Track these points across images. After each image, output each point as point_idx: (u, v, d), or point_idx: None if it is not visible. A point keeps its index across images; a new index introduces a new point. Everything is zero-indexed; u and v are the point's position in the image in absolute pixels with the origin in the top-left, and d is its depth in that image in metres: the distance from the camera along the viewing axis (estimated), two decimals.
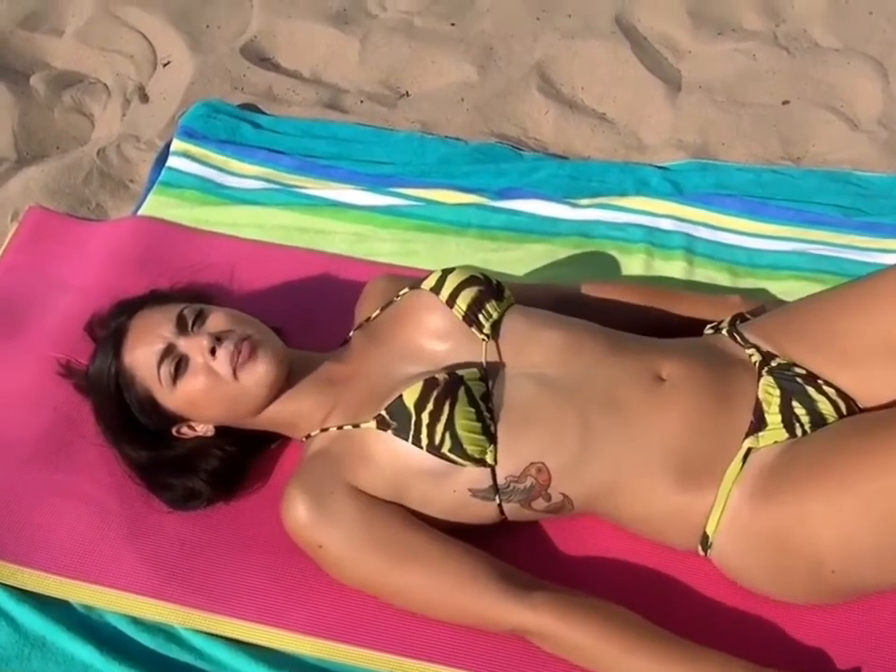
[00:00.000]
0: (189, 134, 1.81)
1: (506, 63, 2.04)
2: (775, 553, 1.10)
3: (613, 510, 1.18)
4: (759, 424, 1.13)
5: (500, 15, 2.16)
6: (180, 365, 1.18)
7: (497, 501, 1.17)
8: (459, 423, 1.12)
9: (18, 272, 1.62)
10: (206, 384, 1.17)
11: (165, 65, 2.08)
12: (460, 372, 1.15)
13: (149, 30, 2.14)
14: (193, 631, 1.19)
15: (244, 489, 1.31)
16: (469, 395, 1.13)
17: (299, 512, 1.15)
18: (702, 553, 1.17)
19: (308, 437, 1.24)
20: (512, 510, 1.18)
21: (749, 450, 1.13)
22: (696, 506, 1.13)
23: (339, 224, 1.68)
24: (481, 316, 1.21)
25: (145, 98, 2.01)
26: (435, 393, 1.12)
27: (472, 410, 1.13)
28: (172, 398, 1.19)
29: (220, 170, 1.78)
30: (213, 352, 1.17)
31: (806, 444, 1.11)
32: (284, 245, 1.65)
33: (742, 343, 1.23)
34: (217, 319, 1.21)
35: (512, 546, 1.22)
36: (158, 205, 1.71)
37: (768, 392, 1.15)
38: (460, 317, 1.21)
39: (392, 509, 1.16)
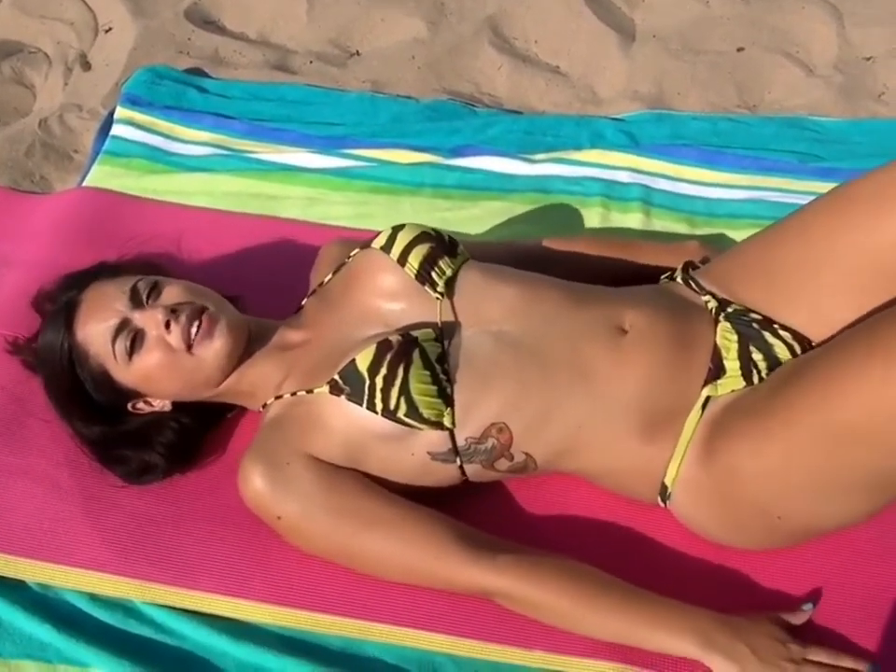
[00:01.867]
0: (134, 101, 1.77)
1: (457, 19, 2.00)
2: (722, 504, 1.10)
3: (576, 466, 1.17)
4: (717, 371, 1.12)
5: None
6: (136, 340, 1.15)
7: (458, 463, 1.15)
8: (414, 386, 1.10)
9: None
10: (162, 358, 1.15)
11: (107, 31, 2.02)
12: (414, 333, 1.13)
13: None
14: (153, 605, 1.17)
15: (200, 461, 1.28)
16: (424, 357, 1.11)
17: (255, 483, 1.12)
18: (662, 504, 1.16)
19: (265, 406, 1.22)
20: (474, 471, 1.17)
21: (707, 398, 1.12)
22: (657, 457, 1.13)
23: (291, 188, 1.65)
24: (434, 274, 1.18)
25: (87, 66, 1.96)
26: (389, 356, 1.10)
27: (427, 373, 1.11)
28: (127, 373, 1.16)
29: (167, 137, 1.73)
30: (168, 325, 1.14)
31: (745, 396, 1.10)
32: (235, 211, 1.61)
33: (697, 290, 1.22)
34: (171, 291, 1.18)
35: (475, 506, 1.20)
36: (103, 175, 1.67)
37: (726, 338, 1.14)
38: (412, 276, 1.18)
39: (351, 475, 1.14)
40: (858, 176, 1.12)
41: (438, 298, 1.17)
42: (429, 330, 1.15)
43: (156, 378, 1.17)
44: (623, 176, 1.64)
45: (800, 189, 1.59)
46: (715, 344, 1.14)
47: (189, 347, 1.15)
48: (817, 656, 1.06)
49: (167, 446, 1.24)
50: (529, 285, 1.20)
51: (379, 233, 1.23)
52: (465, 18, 2.00)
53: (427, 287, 1.18)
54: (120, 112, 1.75)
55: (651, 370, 1.13)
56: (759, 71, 1.88)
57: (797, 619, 1.10)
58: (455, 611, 1.13)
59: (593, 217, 1.59)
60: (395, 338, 1.12)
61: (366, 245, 1.24)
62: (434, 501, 1.16)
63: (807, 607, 1.12)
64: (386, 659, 1.12)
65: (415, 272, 1.18)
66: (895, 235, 1.06)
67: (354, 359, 1.11)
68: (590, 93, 1.87)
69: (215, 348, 1.15)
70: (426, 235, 1.21)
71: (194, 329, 1.14)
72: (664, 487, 1.14)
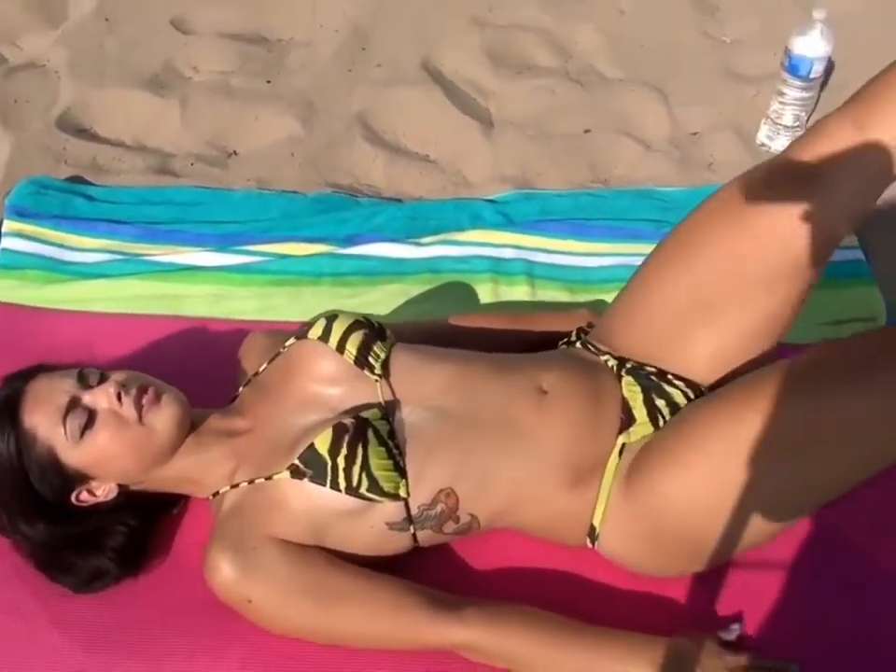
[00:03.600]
0: (20, 213, 1.77)
1: (327, 116, 2.12)
2: (646, 535, 1.23)
3: (514, 520, 1.28)
4: (628, 420, 1.27)
5: (312, 71, 2.25)
6: (88, 419, 1.18)
7: (412, 531, 1.23)
8: (374, 462, 1.18)
9: None
10: (114, 430, 1.18)
11: None
12: (364, 415, 1.22)
13: None
14: None
15: (149, 562, 1.31)
16: (377, 435, 1.20)
17: (224, 571, 1.17)
18: (590, 545, 1.29)
19: (216, 494, 1.26)
20: (425, 536, 1.25)
21: (623, 445, 1.26)
22: (584, 503, 1.25)
23: (194, 287, 1.70)
24: (370, 358, 1.28)
25: None
26: (346, 438, 1.18)
27: (383, 449, 1.20)
28: (77, 452, 1.19)
29: (60, 246, 1.75)
30: (119, 397, 1.19)
31: (655, 439, 1.26)
32: (141, 314, 1.65)
33: (595, 351, 1.37)
34: (118, 375, 1.23)
35: (423, 569, 1.28)
36: (0, 289, 1.66)
37: (631, 390, 1.29)
38: (351, 361, 1.27)
39: (314, 552, 1.20)
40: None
41: (376, 379, 1.27)
42: (375, 410, 1.24)
43: (107, 452, 1.19)
44: (507, 253, 1.80)
45: None
46: (623, 397, 1.29)
47: (140, 417, 1.19)
48: (754, 665, 1.21)
49: (117, 550, 1.26)
50: (455, 360, 1.32)
51: (313, 324, 1.31)
52: (335, 115, 2.12)
53: (365, 371, 1.27)
54: (8, 225, 1.76)
55: (572, 424, 1.26)
56: (605, 149, 2.10)
57: (729, 636, 1.25)
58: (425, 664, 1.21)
59: (485, 293, 1.73)
60: (348, 420, 1.20)
61: (301, 335, 1.32)
62: (387, 569, 1.23)
63: (735, 626, 1.26)
64: None
65: (354, 357, 1.27)
66: (709, 266, 1.25)
67: (312, 443, 1.19)
68: (460, 178, 2.03)
69: (165, 415, 1.21)
70: (358, 323, 1.30)
71: (144, 400, 1.20)
72: (592, 528, 1.27)
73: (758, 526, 1.21)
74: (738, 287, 1.24)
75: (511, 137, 2.09)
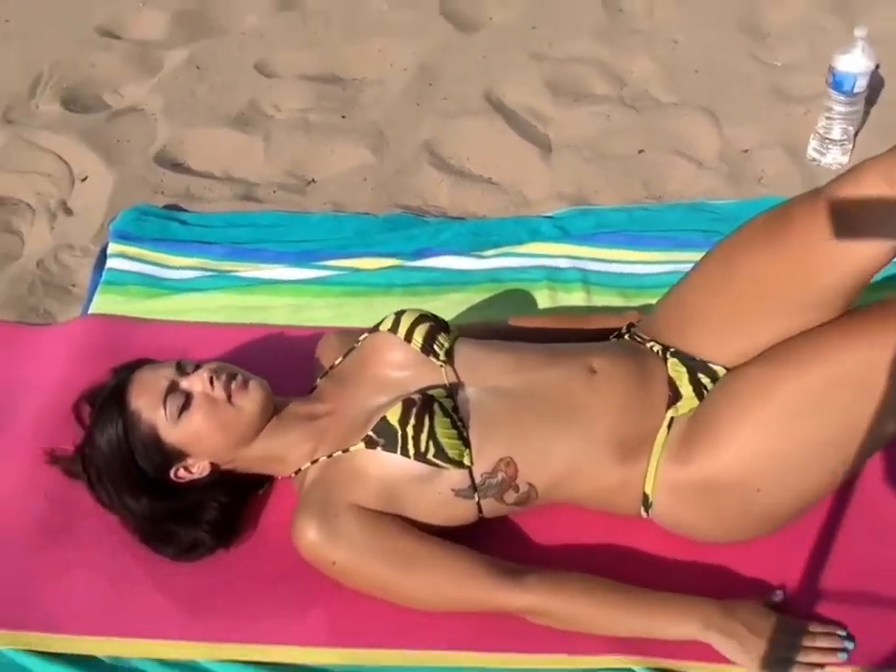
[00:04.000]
0: (123, 237, 1.97)
1: (397, 145, 2.29)
2: (703, 496, 1.33)
3: (569, 492, 1.39)
4: (675, 396, 1.38)
5: (384, 105, 2.43)
6: (185, 400, 1.34)
7: (476, 499, 1.35)
8: (439, 431, 1.31)
9: None
10: (207, 410, 1.35)
11: (83, 180, 2.24)
12: (430, 392, 1.36)
13: (62, 150, 2.29)
14: (216, 661, 1.31)
15: (239, 535, 1.45)
16: (443, 408, 1.34)
17: (310, 535, 1.30)
18: (644, 514, 1.39)
19: (298, 471, 1.41)
20: (488, 505, 1.37)
21: (671, 419, 1.37)
22: (635, 474, 1.36)
23: (276, 299, 1.87)
24: (435, 346, 1.42)
25: (69, 212, 2.16)
26: (414, 409, 1.32)
27: (448, 420, 1.33)
28: (175, 431, 1.35)
29: (157, 265, 1.94)
30: (211, 381, 1.35)
31: (702, 406, 1.36)
32: (228, 322, 1.82)
33: (641, 340, 1.48)
34: (211, 364, 1.40)
35: (489, 542, 1.39)
36: (105, 304, 1.86)
37: (676, 370, 1.39)
38: (418, 349, 1.41)
39: (390, 520, 1.33)
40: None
41: (441, 365, 1.40)
42: (441, 390, 1.37)
43: (201, 431, 1.35)
44: (562, 263, 1.92)
45: None
46: (669, 376, 1.40)
47: (230, 398, 1.35)
48: (797, 625, 1.29)
49: (211, 524, 1.41)
50: (512, 348, 1.45)
51: (384, 319, 1.46)
52: (404, 144, 2.29)
53: (431, 357, 1.41)
54: (113, 247, 1.96)
55: (620, 400, 1.37)
56: (658, 168, 2.21)
57: (775, 599, 1.33)
58: (492, 630, 1.32)
59: (542, 299, 1.85)
60: (416, 396, 1.34)
61: (373, 329, 1.47)
62: (456, 541, 1.35)
63: (779, 592, 1.35)
64: None
65: (420, 345, 1.41)
66: (786, 265, 1.31)
67: (384, 416, 1.33)
68: (521, 198, 2.17)
69: (251, 397, 1.37)
70: (424, 317, 1.45)
71: (233, 385, 1.36)
72: (645, 497, 1.37)
73: (812, 477, 1.29)
74: (766, 305, 1.33)
75: (568, 159, 2.23)
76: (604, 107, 2.37)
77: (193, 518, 1.41)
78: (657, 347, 1.44)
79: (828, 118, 2.14)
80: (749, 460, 1.29)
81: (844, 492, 1.45)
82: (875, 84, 2.26)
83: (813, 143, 2.19)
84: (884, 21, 2.54)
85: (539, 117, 2.38)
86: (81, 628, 1.34)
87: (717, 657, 1.28)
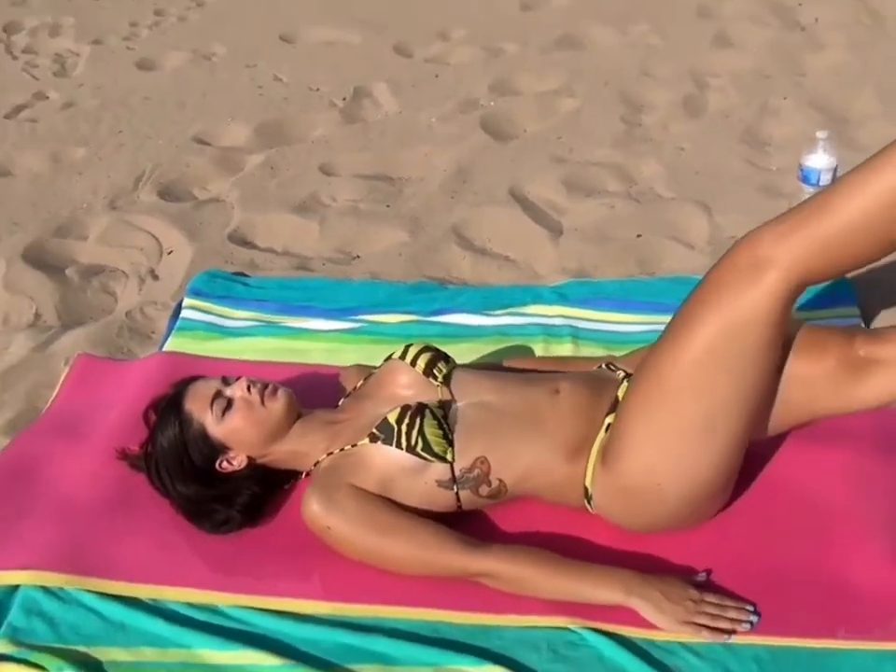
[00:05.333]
0: (196, 293, 2.40)
1: (431, 228, 2.70)
2: (619, 495, 1.61)
3: (531, 487, 1.68)
4: (614, 406, 1.68)
5: (423, 198, 2.86)
6: (227, 404, 1.71)
7: (455, 490, 1.66)
8: (428, 431, 1.64)
9: (74, 399, 2.13)
10: (245, 411, 1.70)
11: (169, 253, 2.70)
12: (424, 401, 1.70)
13: (155, 230, 2.77)
14: (233, 606, 1.62)
15: (265, 517, 1.78)
16: (433, 413, 1.66)
17: (312, 505, 1.63)
18: (589, 507, 1.67)
19: (317, 464, 1.74)
20: (465, 497, 1.67)
21: (608, 424, 1.66)
22: (578, 471, 1.65)
23: (315, 344, 2.25)
24: (435, 370, 1.76)
25: (155, 277, 2.61)
26: (409, 412, 1.66)
27: (435, 422, 1.65)
28: (220, 428, 1.70)
29: (221, 316, 2.35)
30: (248, 389, 1.71)
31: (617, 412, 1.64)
32: (274, 361, 2.19)
33: (613, 369, 1.79)
34: (249, 377, 1.77)
35: (465, 529, 1.69)
36: (176, 344, 2.26)
37: (623, 389, 1.70)
38: (420, 372, 1.75)
39: (380, 499, 1.65)
40: None
41: (438, 385, 1.74)
42: (434, 401, 1.70)
43: (239, 428, 1.70)
44: (557, 321, 2.26)
45: None
46: (617, 397, 1.70)
47: (263, 401, 1.70)
48: (711, 597, 1.54)
49: (243, 507, 1.75)
50: (497, 375, 1.80)
51: (395, 351, 1.82)
52: (436, 227, 2.70)
53: (430, 379, 1.75)
54: (187, 301, 2.38)
55: (574, 414, 1.68)
56: (653, 250, 2.55)
57: (696, 579, 1.58)
58: (453, 592, 1.60)
59: (537, 350, 2.18)
60: (413, 403, 1.68)
61: (387, 359, 1.83)
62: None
63: (702, 574, 1.60)
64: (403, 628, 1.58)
65: (422, 369, 1.75)
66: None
67: (386, 416, 1.67)
68: (532, 272, 2.52)
69: (279, 402, 1.72)
70: (428, 348, 1.80)
71: (266, 391, 1.72)
72: (586, 490, 1.65)
73: (701, 460, 1.54)
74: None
75: (575, 241, 2.59)
76: (611, 200, 2.75)
77: (229, 502, 1.75)
78: (622, 375, 1.75)
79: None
80: (646, 458, 1.56)
81: (759, 493, 1.71)
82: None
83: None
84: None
85: (553, 207, 2.76)
86: (131, 577, 1.67)
87: (641, 621, 1.53)
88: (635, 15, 4.24)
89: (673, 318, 1.58)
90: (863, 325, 2.16)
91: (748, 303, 1.46)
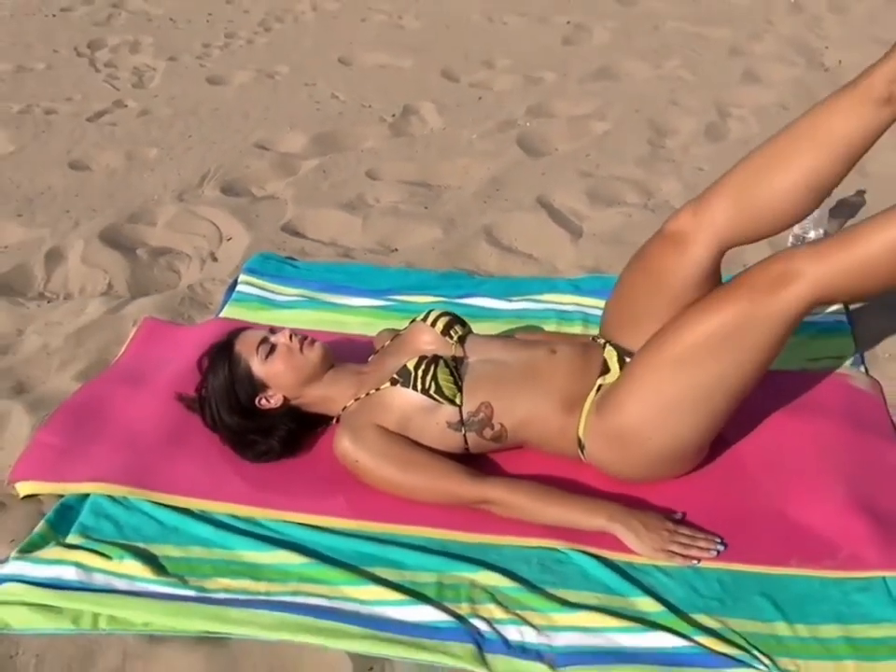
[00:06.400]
0: (251, 271, 2.70)
1: (463, 228, 2.98)
2: (612, 442, 1.84)
3: (528, 434, 1.93)
4: (606, 370, 1.92)
5: (459, 202, 3.14)
6: (271, 349, 1.98)
7: (463, 432, 1.92)
8: (440, 376, 1.90)
9: (141, 354, 2.43)
10: (286, 356, 1.98)
11: (229, 240, 3.01)
12: (439, 354, 1.96)
13: (217, 220, 3.09)
14: (271, 520, 1.89)
15: (301, 451, 2.05)
16: (446, 363, 1.93)
17: (343, 441, 1.90)
18: (582, 456, 1.91)
19: (345, 408, 2.01)
20: (472, 439, 1.92)
21: (600, 385, 1.91)
22: (572, 422, 1.89)
23: (352, 318, 2.52)
24: (451, 332, 2.02)
25: (215, 259, 2.92)
26: (425, 361, 1.92)
27: (447, 370, 1.91)
28: (263, 368, 1.98)
29: (272, 292, 2.64)
30: (290, 338, 1.98)
31: (619, 376, 1.89)
32: (316, 329, 2.47)
33: (596, 340, 2.04)
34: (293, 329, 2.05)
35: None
36: (230, 313, 2.56)
37: (609, 354, 1.94)
38: (439, 332, 2.02)
39: (401, 437, 1.90)
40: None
41: (454, 344, 2.01)
42: (449, 356, 1.97)
43: (279, 370, 1.98)
44: (570, 308, 2.51)
45: None
46: (604, 358, 1.95)
47: (302, 349, 1.98)
48: (685, 530, 1.77)
49: (281, 439, 2.02)
50: (504, 338, 2.07)
51: (417, 315, 2.09)
52: (468, 227, 2.97)
53: (447, 338, 2.01)
54: (242, 278, 2.68)
55: (568, 370, 1.93)
56: None
57: (676, 517, 1.82)
58: (463, 517, 1.85)
59: (549, 329, 2.44)
60: (429, 354, 1.95)
61: (412, 321, 2.09)
62: None
63: (677, 515, 1.84)
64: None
65: (441, 330, 2.02)
66: (637, 285, 1.89)
67: (405, 364, 1.93)
68: (552, 268, 2.78)
69: (316, 351, 2.00)
70: (446, 313, 2.07)
71: (305, 342, 1.99)
72: (579, 441, 1.90)
73: (690, 422, 1.78)
74: (657, 302, 1.88)
75: (593, 243, 2.85)
76: (629, 210, 3.00)
77: (269, 434, 2.02)
78: (602, 341, 2.01)
79: (800, 224, 2.70)
80: (641, 415, 1.80)
81: (734, 453, 1.94)
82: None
83: (791, 239, 2.74)
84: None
85: (576, 214, 3.03)
86: (185, 491, 1.95)
87: (622, 546, 1.77)
88: (669, 52, 4.53)
89: (696, 303, 1.81)
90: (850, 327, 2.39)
91: (770, 304, 1.69)
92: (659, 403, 1.79)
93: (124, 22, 5.35)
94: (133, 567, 1.76)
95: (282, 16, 5.43)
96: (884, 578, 1.68)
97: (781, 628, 1.61)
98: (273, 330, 2.06)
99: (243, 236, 2.99)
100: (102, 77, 4.49)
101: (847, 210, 2.93)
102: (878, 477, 1.92)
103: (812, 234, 2.70)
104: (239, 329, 2.10)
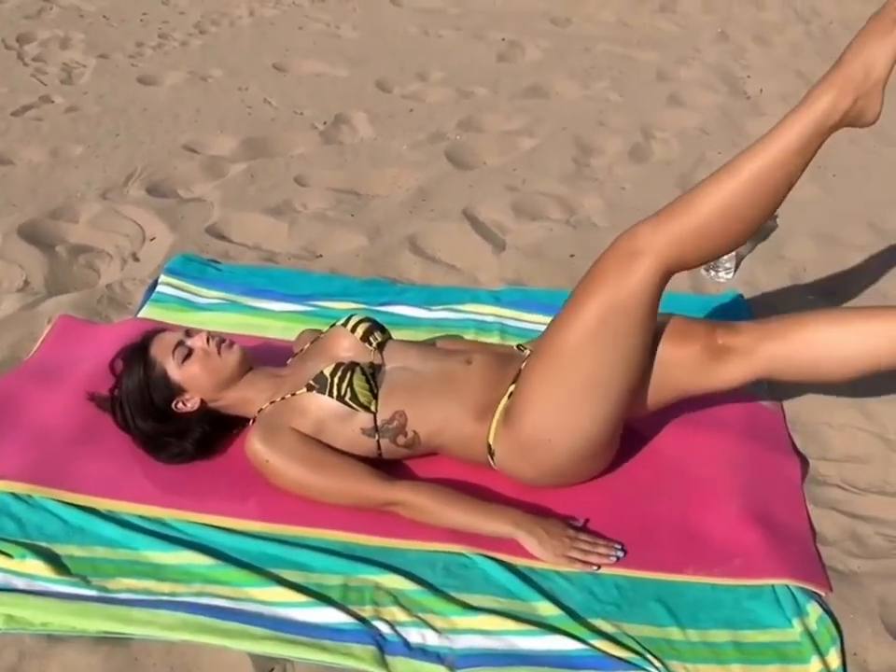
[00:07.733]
0: (172, 272, 2.69)
1: (388, 236, 3.01)
2: (516, 449, 1.88)
3: (441, 441, 1.96)
4: (518, 376, 1.96)
5: (386, 211, 3.17)
6: (188, 353, 1.98)
7: (376, 438, 1.94)
8: (356, 383, 1.91)
9: (55, 352, 2.40)
10: (202, 359, 1.97)
11: (151, 240, 2.99)
12: (357, 360, 1.98)
13: (140, 220, 3.06)
14: (179, 521, 1.88)
15: (214, 453, 2.05)
16: (362, 370, 1.94)
17: (255, 442, 1.90)
18: (492, 463, 1.95)
19: (260, 410, 2.01)
20: (385, 445, 1.94)
21: (511, 391, 1.95)
22: (482, 429, 1.92)
23: (272, 322, 2.53)
24: (371, 338, 2.04)
25: (136, 259, 2.89)
26: (342, 367, 1.94)
27: (363, 377, 1.93)
28: (179, 372, 1.97)
29: (192, 294, 2.63)
30: (207, 341, 1.98)
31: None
32: (235, 333, 2.46)
33: (521, 349, 2.09)
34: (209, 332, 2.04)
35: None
36: (149, 314, 2.54)
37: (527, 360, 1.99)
38: (359, 338, 2.04)
39: (313, 440, 1.92)
40: None
41: (372, 350, 2.02)
42: (366, 362, 1.99)
43: (196, 374, 1.97)
44: (489, 318, 2.56)
45: None
46: (520, 368, 1.99)
47: (219, 352, 1.97)
48: (585, 536, 1.82)
49: (195, 442, 2.02)
50: (423, 346, 2.09)
51: (338, 320, 2.10)
52: (393, 236, 3.00)
53: (366, 344, 2.03)
54: (163, 279, 2.67)
55: (482, 379, 1.96)
56: (584, 269, 2.78)
57: (578, 524, 1.87)
58: (370, 521, 1.87)
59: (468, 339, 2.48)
60: (347, 361, 1.96)
61: (332, 326, 2.11)
62: None
63: (578, 521, 1.88)
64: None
65: (360, 335, 2.04)
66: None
67: (322, 370, 1.94)
68: (474, 279, 2.82)
69: (233, 354, 2.00)
70: (367, 319, 2.08)
71: (223, 344, 1.99)
72: (489, 448, 1.93)
73: (586, 417, 1.81)
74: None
75: (515, 256, 2.90)
76: (550, 224, 3.07)
77: (183, 436, 2.02)
78: (528, 351, 2.05)
79: None
80: (539, 419, 1.83)
81: (637, 463, 2.00)
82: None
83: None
84: None
85: (500, 227, 3.08)
86: (91, 491, 1.93)
87: (524, 552, 1.81)
88: (599, 73, 4.64)
89: (567, 300, 1.87)
90: None
91: (626, 287, 1.76)
92: (554, 404, 1.83)
93: (55, 17, 5.27)
94: (34, 566, 1.74)
95: (218, 20, 5.41)
96: (773, 585, 1.75)
97: (674, 633, 1.67)
98: (189, 333, 2.06)
99: (166, 237, 2.98)
100: (30, 72, 4.42)
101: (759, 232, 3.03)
102: (775, 490, 1.99)
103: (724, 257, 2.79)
104: (154, 331, 2.09)
